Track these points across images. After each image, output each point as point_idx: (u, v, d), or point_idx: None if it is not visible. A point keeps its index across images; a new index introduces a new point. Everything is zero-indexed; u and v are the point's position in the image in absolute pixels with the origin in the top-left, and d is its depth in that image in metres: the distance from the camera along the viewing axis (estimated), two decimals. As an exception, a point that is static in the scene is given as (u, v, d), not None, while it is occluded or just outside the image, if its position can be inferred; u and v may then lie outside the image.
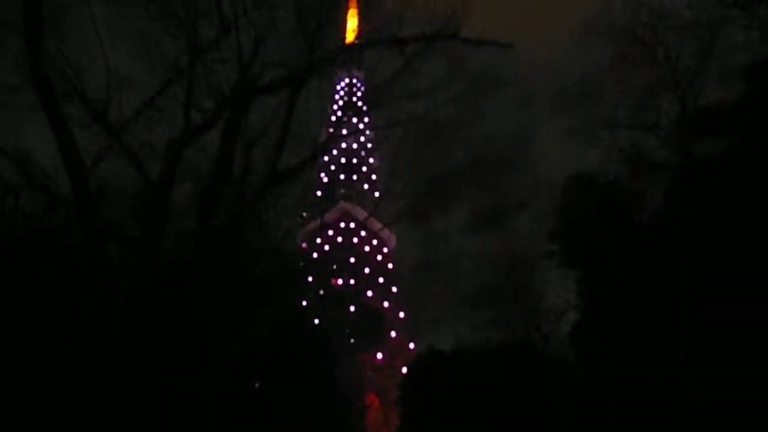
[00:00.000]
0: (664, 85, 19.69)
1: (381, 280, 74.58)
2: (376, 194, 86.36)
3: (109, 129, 12.34)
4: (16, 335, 10.28)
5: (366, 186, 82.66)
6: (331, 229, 71.14)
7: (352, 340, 32.36)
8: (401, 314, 69.93)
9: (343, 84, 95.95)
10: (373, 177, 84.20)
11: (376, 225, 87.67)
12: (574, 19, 21.29)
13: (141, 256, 11.60)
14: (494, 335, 30.90)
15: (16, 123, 12.78)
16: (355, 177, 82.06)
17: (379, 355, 60.19)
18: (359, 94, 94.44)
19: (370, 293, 66.92)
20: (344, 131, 20.41)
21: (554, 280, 27.63)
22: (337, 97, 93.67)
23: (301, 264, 24.73)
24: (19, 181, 11.79)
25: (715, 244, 17.09)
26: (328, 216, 66.92)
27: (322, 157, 16.32)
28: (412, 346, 62.61)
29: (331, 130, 17.81)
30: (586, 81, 21.41)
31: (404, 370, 52.50)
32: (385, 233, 78.84)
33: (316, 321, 28.28)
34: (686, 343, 19.87)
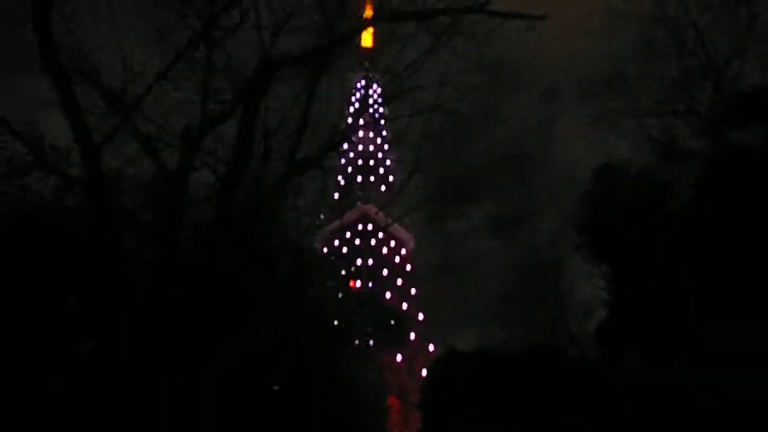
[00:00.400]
0: (696, 71, 18.88)
1: (399, 282, 74.03)
2: (394, 194, 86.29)
3: (121, 111, 11.96)
4: (22, 320, 9.93)
5: (383, 188, 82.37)
6: (349, 231, 70.77)
7: (371, 342, 31.80)
8: (420, 316, 69.30)
9: (359, 85, 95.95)
10: (390, 178, 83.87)
11: (395, 226, 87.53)
12: (598, 4, 20.54)
13: (156, 245, 11.23)
14: (517, 335, 30.19)
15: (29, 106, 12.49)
16: (372, 179, 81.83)
17: (399, 357, 59.60)
18: (375, 95, 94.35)
19: (388, 295, 66.38)
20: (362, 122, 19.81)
21: (582, 275, 26.97)
22: (353, 99, 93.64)
23: (319, 261, 24.26)
24: (30, 161, 11.44)
25: (752, 238, 16.28)
26: (347, 217, 66.63)
27: (342, 145, 15.79)
28: (431, 348, 62.01)
29: (350, 121, 17.28)
30: (612, 68, 20.69)
31: (424, 372, 51.81)
32: (404, 234, 78.31)
33: (336, 322, 27.80)
34: (719, 344, 19.05)
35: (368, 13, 16.36)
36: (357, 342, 28.26)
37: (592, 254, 20.19)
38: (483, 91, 16.33)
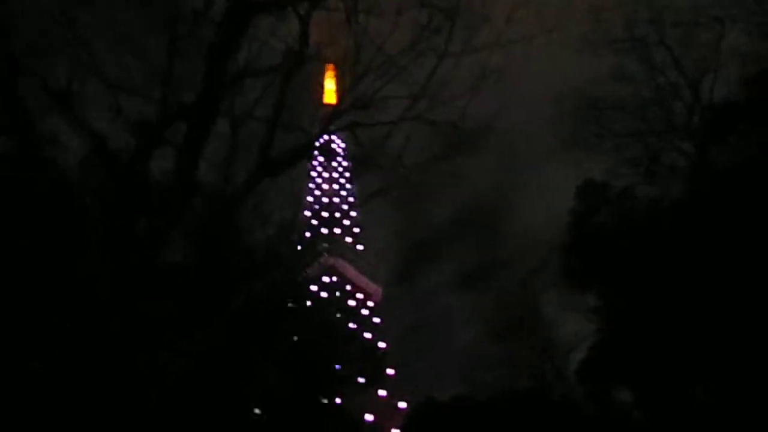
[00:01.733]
0: (668, 89, 18.80)
1: (368, 335, 71.50)
2: (360, 247, 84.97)
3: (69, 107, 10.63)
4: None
5: (349, 239, 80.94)
6: (314, 284, 68.46)
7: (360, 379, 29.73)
8: (390, 371, 66.45)
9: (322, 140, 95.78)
10: (356, 230, 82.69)
11: (362, 279, 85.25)
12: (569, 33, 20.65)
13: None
14: (499, 377, 28.70)
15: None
16: (338, 231, 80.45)
17: (369, 417, 56.49)
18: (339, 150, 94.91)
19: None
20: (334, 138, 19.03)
21: (561, 311, 25.99)
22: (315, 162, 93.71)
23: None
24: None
25: (747, 252, 15.69)
26: (311, 270, 64.52)
27: (312, 152, 14.85)
28: (403, 405, 58.96)
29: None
30: (585, 94, 20.51)
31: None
32: (371, 287, 76.38)
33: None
34: (716, 369, 18.13)
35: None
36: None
37: (577, 280, 19.26)
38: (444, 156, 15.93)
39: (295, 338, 19.88)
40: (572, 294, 23.66)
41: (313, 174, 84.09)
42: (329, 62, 17.28)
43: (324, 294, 69.22)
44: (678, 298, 16.94)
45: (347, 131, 13.25)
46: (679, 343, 18.02)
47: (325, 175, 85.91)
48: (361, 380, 27.68)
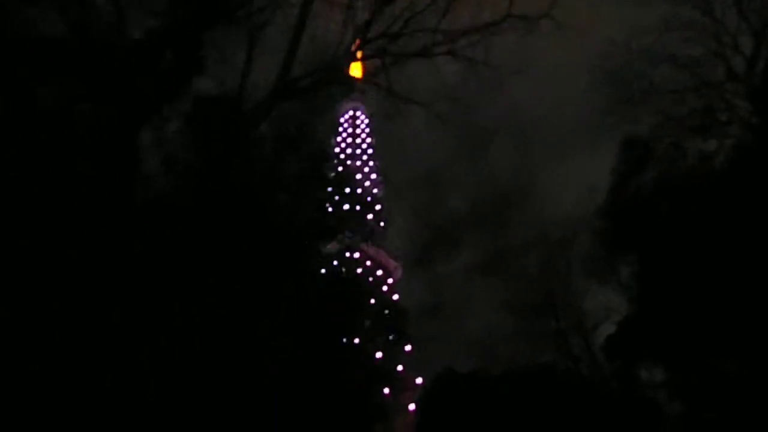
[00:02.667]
0: (729, 39, 17.06)
1: (386, 312, 70.78)
2: (381, 224, 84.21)
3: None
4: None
5: (370, 216, 79.95)
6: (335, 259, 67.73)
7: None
8: (408, 347, 65.80)
9: (347, 116, 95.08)
10: (378, 207, 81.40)
11: (382, 254, 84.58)
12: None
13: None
14: (519, 354, 27.74)
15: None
16: (358, 207, 79.53)
17: (386, 390, 55.89)
18: (363, 125, 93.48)
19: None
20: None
21: (590, 285, 24.83)
22: (340, 129, 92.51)
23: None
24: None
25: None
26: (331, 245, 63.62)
27: (338, 78, 13.83)
28: (419, 380, 58.31)
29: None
30: (630, 48, 18.96)
31: (411, 407, 48.52)
32: (391, 263, 75.49)
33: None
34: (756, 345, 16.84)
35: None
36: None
37: (614, 242, 17.95)
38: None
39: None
40: (605, 264, 22.45)
41: (338, 143, 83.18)
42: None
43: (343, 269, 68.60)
44: (719, 268, 15.62)
45: (377, 57, 12.14)
46: (715, 316, 16.76)
47: (348, 151, 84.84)
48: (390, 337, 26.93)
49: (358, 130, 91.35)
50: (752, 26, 16.34)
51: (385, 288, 75.34)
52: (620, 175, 17.32)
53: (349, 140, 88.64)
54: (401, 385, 59.62)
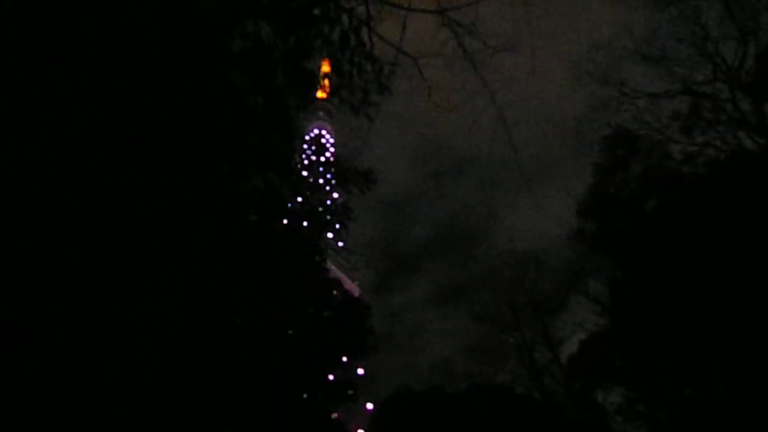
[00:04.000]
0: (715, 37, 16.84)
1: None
2: (340, 244, 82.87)
3: None
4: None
5: (330, 235, 78.51)
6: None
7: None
8: (360, 370, 63.77)
9: (312, 134, 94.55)
10: (337, 226, 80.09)
11: (341, 275, 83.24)
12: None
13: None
14: (479, 372, 26.68)
15: None
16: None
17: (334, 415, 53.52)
18: (328, 146, 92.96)
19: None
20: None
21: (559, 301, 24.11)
22: (305, 146, 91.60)
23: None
24: None
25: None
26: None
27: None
28: (370, 406, 56.22)
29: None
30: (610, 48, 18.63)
31: (359, 432, 46.54)
32: (350, 285, 74.10)
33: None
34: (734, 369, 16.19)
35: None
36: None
37: (593, 241, 17.15)
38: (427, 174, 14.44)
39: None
40: (575, 275, 21.82)
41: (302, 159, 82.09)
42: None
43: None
44: (706, 276, 14.87)
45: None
46: (695, 333, 16.02)
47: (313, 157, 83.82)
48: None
49: (322, 150, 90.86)
50: (738, 24, 16.20)
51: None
52: (603, 171, 16.66)
53: (314, 158, 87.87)
54: (352, 408, 57.45)
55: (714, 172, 14.41)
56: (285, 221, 22.19)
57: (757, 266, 12.94)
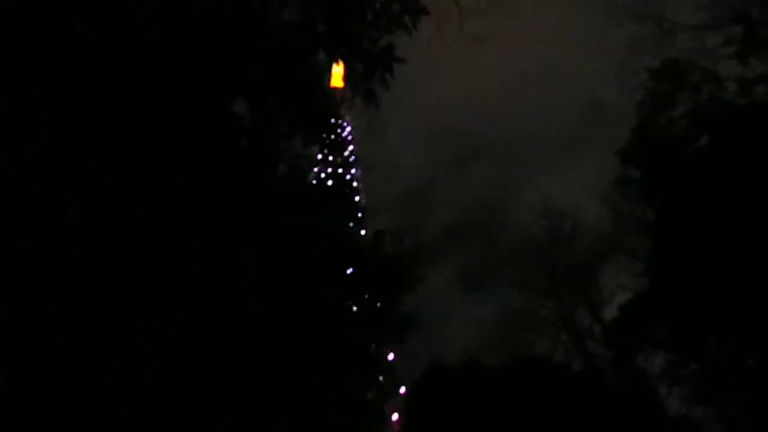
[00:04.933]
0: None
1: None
2: (362, 233, 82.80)
3: None
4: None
5: (351, 225, 77.86)
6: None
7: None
8: (390, 356, 63.30)
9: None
10: (359, 215, 79.25)
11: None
12: None
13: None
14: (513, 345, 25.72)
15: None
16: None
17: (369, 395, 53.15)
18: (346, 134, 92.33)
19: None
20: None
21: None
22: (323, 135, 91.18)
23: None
24: None
25: None
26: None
27: None
28: (402, 390, 55.73)
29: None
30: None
31: (394, 416, 46.22)
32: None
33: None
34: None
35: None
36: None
37: (640, 189, 15.96)
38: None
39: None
40: (614, 236, 20.74)
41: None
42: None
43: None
44: (760, 228, 13.64)
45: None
46: (746, 291, 14.83)
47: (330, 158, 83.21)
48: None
49: (340, 139, 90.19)
50: None
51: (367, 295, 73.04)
52: (648, 110, 15.44)
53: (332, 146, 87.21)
54: (385, 391, 56.98)
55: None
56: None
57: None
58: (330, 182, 31.04)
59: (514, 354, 25.73)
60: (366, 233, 24.47)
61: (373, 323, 28.28)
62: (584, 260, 22.69)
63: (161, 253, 9.86)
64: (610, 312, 22.57)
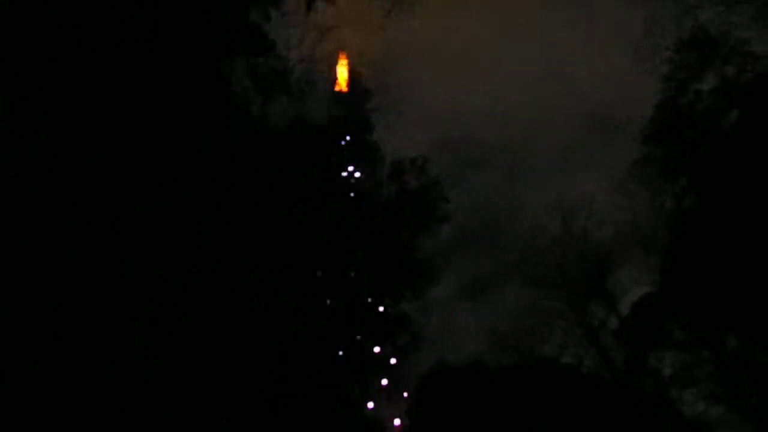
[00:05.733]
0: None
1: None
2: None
3: None
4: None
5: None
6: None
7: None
8: (393, 360, 62.10)
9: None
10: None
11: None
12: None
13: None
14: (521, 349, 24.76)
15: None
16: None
17: (370, 405, 52.09)
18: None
19: (358, 338, 59.78)
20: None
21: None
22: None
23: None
24: None
25: None
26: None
27: None
28: (405, 394, 54.60)
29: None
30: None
31: (396, 422, 45.38)
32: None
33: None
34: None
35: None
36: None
37: (663, 166, 15.02)
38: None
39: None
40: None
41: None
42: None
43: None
44: None
45: None
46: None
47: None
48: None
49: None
50: None
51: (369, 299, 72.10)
52: (673, 84, 14.52)
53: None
54: (387, 395, 56.01)
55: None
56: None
57: None
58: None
59: (523, 350, 24.87)
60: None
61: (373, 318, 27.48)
62: (599, 253, 21.76)
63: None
64: (625, 306, 21.75)
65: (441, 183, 20.75)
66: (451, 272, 25.41)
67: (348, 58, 27.11)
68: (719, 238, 14.34)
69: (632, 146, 16.59)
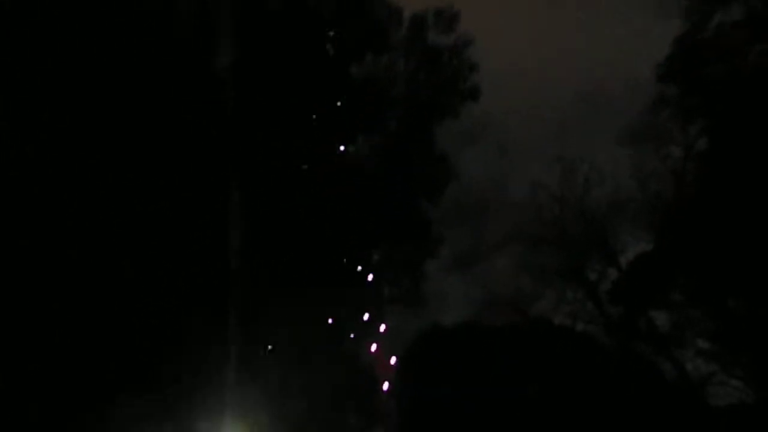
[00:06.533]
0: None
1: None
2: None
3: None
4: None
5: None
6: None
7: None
8: (382, 327, 62.16)
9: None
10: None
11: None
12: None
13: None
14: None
15: None
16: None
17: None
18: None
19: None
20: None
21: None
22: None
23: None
24: None
25: None
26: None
27: None
28: (393, 360, 54.71)
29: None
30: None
31: (385, 385, 45.47)
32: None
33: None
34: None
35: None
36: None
37: (681, 107, 14.10)
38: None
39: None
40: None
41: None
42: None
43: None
44: None
45: None
46: None
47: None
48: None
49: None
50: None
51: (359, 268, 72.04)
52: (694, 15, 13.47)
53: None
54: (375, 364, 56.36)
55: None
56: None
57: None
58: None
59: (519, 309, 24.48)
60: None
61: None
62: (600, 207, 21.10)
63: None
64: (624, 264, 21.20)
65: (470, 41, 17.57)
66: (446, 246, 25.20)
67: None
68: (728, 189, 13.61)
69: (634, 110, 15.92)
